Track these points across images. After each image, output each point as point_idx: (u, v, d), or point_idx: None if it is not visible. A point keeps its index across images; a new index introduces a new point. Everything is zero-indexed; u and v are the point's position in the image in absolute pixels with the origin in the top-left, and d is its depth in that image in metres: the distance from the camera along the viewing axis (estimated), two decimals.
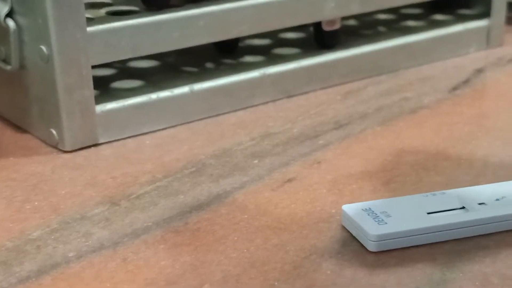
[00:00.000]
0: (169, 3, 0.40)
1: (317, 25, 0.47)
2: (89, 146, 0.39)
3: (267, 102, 0.44)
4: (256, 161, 0.37)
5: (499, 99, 0.45)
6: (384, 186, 0.34)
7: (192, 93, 0.41)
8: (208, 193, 0.34)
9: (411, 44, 0.50)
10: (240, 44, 0.48)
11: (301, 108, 0.44)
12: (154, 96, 0.40)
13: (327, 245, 0.30)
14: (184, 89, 0.41)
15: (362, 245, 0.30)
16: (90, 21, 0.38)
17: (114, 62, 0.41)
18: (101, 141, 0.39)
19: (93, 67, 0.38)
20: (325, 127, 0.41)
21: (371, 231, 0.29)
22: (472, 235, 0.30)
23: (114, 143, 0.39)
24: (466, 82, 0.47)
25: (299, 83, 0.45)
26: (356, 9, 0.47)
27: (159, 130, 0.41)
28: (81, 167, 0.37)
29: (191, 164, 0.37)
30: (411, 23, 0.53)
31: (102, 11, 0.41)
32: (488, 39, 0.53)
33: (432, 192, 0.32)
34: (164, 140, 0.39)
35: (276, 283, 0.28)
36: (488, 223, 0.30)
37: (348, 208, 0.31)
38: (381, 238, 0.29)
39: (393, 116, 0.42)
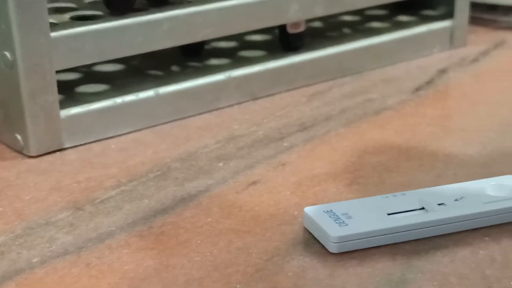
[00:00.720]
0: (133, 7, 0.41)
1: (282, 28, 0.47)
2: (54, 151, 0.39)
3: (232, 105, 0.45)
4: (221, 164, 0.37)
5: (462, 100, 0.46)
6: (347, 187, 0.35)
7: (157, 96, 0.42)
8: (172, 196, 0.34)
9: (375, 46, 0.50)
10: (206, 47, 0.48)
11: (266, 110, 0.44)
12: (119, 100, 0.40)
13: (290, 247, 0.30)
14: (149, 93, 0.41)
15: (323, 247, 0.30)
16: (54, 26, 0.38)
17: (80, 66, 0.41)
18: (66, 145, 0.39)
19: (58, 71, 0.38)
20: (290, 129, 0.41)
21: (332, 232, 0.30)
22: (432, 235, 0.31)
23: (80, 148, 0.39)
24: (429, 82, 0.48)
25: (265, 85, 0.46)
26: (320, 12, 0.47)
27: (124, 134, 0.41)
28: (46, 172, 0.37)
29: (156, 168, 0.37)
30: (375, 24, 0.54)
31: (66, 16, 0.41)
32: (451, 40, 0.54)
33: (393, 193, 0.33)
34: (130, 144, 0.40)
35: (238, 286, 0.28)
36: (447, 224, 0.31)
37: (310, 210, 0.32)
38: (342, 239, 0.30)
39: (357, 118, 0.43)
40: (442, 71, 0.50)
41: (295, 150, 0.39)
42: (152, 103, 0.41)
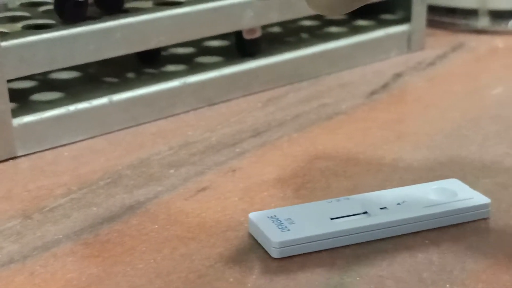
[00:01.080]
0: (85, 16, 0.41)
1: (238, 34, 0.48)
2: (7, 160, 0.39)
3: (188, 111, 0.45)
4: (172, 171, 0.38)
5: (414, 103, 0.46)
6: (294, 192, 0.35)
7: (111, 103, 0.42)
8: (121, 204, 0.35)
9: (332, 51, 0.51)
10: (163, 53, 0.49)
11: (221, 116, 0.44)
12: (72, 108, 0.41)
13: (233, 253, 0.31)
14: (103, 100, 0.42)
15: (266, 252, 0.31)
16: (5, 35, 0.38)
17: (35, 74, 0.41)
18: (19, 154, 0.39)
19: (13, 80, 0.39)
20: (243, 135, 0.42)
21: (274, 238, 0.30)
22: (373, 239, 0.31)
23: (32, 156, 0.40)
24: (384, 86, 0.48)
25: (221, 91, 0.46)
26: (275, 18, 0.47)
27: (78, 141, 0.41)
28: None
29: (107, 176, 0.37)
30: (333, 29, 0.54)
31: (19, 25, 0.41)
32: (408, 44, 0.55)
33: (337, 198, 0.33)
34: (82, 151, 0.40)
35: None
36: (388, 227, 0.32)
37: (254, 216, 0.32)
38: (283, 244, 0.30)
39: (310, 123, 0.43)
40: (398, 75, 0.50)
41: (247, 156, 0.39)
42: (106, 110, 0.42)
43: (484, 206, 0.33)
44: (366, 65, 0.52)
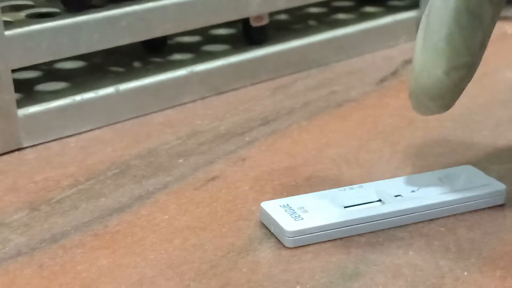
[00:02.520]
0: (90, 4, 0.40)
1: (245, 21, 0.47)
2: (13, 151, 0.38)
3: (195, 100, 0.44)
4: (181, 161, 0.37)
5: None
6: (306, 181, 0.35)
7: (118, 93, 0.41)
8: (130, 194, 0.34)
9: (340, 38, 0.50)
10: (169, 42, 0.48)
11: (229, 105, 0.44)
12: (78, 98, 0.40)
13: (245, 243, 0.30)
14: (109, 90, 0.41)
15: (280, 242, 0.30)
16: (9, 24, 0.38)
17: (40, 64, 0.40)
18: (24, 145, 0.39)
19: (17, 69, 0.38)
20: (252, 123, 0.41)
21: (287, 227, 0.30)
22: (388, 227, 0.31)
23: (38, 147, 0.39)
24: (393, 73, 0.48)
25: (228, 79, 0.45)
26: (282, 4, 0.47)
27: (84, 132, 0.40)
28: (2, 172, 0.36)
29: (115, 166, 0.37)
30: (341, 16, 0.54)
31: (22, 14, 0.40)
32: (417, 30, 0.54)
33: (350, 186, 0.33)
34: (89, 142, 0.39)
35: (191, 283, 0.28)
36: (403, 215, 0.31)
37: (266, 205, 0.31)
38: (297, 234, 0.30)
39: (320, 110, 0.42)
40: (407, 62, 0.50)
41: (256, 144, 0.39)
42: (112, 100, 0.41)
43: (500, 192, 0.32)
44: (375, 52, 0.51)
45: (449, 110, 0.41)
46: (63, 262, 0.29)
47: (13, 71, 0.37)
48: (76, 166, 0.37)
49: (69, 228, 0.32)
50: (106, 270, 0.29)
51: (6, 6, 0.42)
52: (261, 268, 0.28)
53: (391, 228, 0.31)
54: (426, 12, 0.30)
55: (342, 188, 0.32)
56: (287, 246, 0.30)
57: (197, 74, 0.44)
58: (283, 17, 0.54)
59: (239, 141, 0.39)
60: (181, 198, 0.34)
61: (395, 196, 0.32)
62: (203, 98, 0.45)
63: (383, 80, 0.47)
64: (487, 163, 0.36)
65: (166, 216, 0.32)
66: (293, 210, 0.31)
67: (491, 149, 0.37)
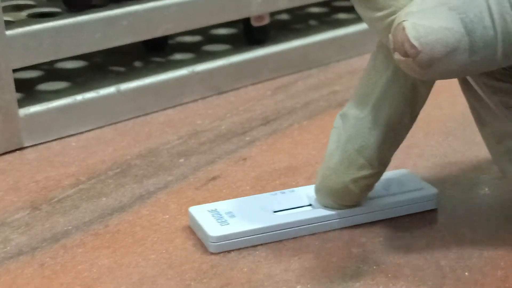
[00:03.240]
0: (91, 4, 0.40)
1: (246, 21, 0.47)
2: (14, 150, 0.38)
3: (197, 100, 0.44)
4: (181, 160, 0.37)
5: None
6: (307, 180, 0.35)
7: (119, 93, 0.41)
8: (131, 194, 0.34)
9: (341, 37, 0.50)
10: (170, 42, 0.48)
11: (230, 105, 0.44)
12: (79, 97, 0.40)
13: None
14: (110, 89, 0.41)
15: (280, 242, 0.30)
16: (10, 24, 0.38)
17: (40, 63, 0.41)
18: (26, 144, 0.39)
19: (18, 69, 0.38)
20: (253, 123, 0.41)
21: (211, 232, 0.29)
22: (318, 231, 0.30)
23: (39, 146, 0.39)
24: None
25: (229, 79, 0.45)
26: (283, 4, 0.47)
27: (85, 131, 0.40)
28: (4, 172, 0.36)
29: (116, 166, 0.37)
30: (342, 16, 0.54)
31: (24, 14, 0.40)
32: None
33: (282, 190, 0.32)
34: (90, 142, 0.39)
35: (192, 283, 0.28)
36: (332, 220, 0.30)
37: (194, 210, 0.31)
38: (221, 239, 0.29)
39: (320, 110, 0.42)
40: None
41: (257, 144, 0.39)
42: (113, 100, 0.41)
43: (431, 197, 0.32)
44: None
45: (450, 110, 0.42)
46: (64, 261, 0.29)
47: (14, 70, 0.38)
48: (77, 166, 0.37)
49: (70, 227, 0.32)
50: (107, 269, 0.29)
51: (7, 6, 0.42)
52: (261, 267, 0.28)
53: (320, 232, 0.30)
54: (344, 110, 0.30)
55: (273, 193, 0.32)
56: (211, 251, 0.29)
57: (198, 74, 0.44)
58: (284, 17, 0.54)
59: (240, 141, 0.39)
60: (182, 197, 0.34)
61: None
62: (204, 97, 0.45)
63: None
64: (488, 163, 0.36)
65: (167, 216, 0.32)
66: (220, 215, 0.30)
67: None
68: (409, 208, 0.32)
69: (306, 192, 0.32)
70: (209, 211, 0.31)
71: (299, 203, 0.31)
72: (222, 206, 0.31)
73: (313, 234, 0.30)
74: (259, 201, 0.31)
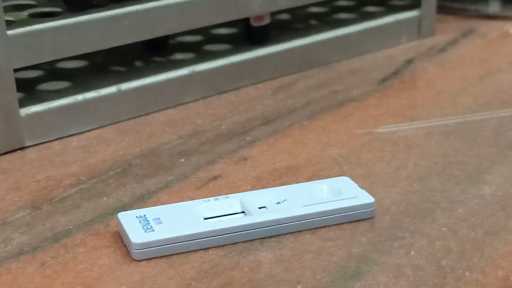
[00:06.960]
0: (92, 4, 0.40)
1: (246, 21, 0.47)
2: (15, 150, 0.38)
3: (197, 99, 0.44)
4: (182, 160, 0.37)
5: (426, 90, 0.45)
6: (308, 180, 0.35)
7: (120, 92, 0.41)
8: (131, 194, 0.34)
9: (342, 37, 0.50)
10: (171, 42, 0.48)
11: (231, 104, 0.44)
12: (80, 97, 0.40)
13: (247, 242, 0.30)
14: (111, 89, 0.41)
15: (280, 241, 0.30)
16: (11, 24, 0.38)
17: (42, 63, 0.41)
18: (27, 144, 0.39)
19: (19, 69, 0.38)
20: (254, 123, 0.41)
21: (134, 239, 0.29)
22: (250, 239, 0.30)
23: (40, 146, 0.39)
24: (395, 73, 0.48)
25: (230, 79, 0.45)
26: (284, 4, 0.47)
27: (86, 131, 0.40)
28: (5, 171, 0.36)
29: (116, 165, 0.37)
30: (343, 15, 0.54)
31: (25, 14, 0.40)
32: (419, 29, 0.54)
33: (215, 197, 0.32)
34: (91, 141, 0.39)
35: (193, 283, 0.28)
36: (264, 227, 0.30)
37: (122, 216, 0.31)
38: (144, 246, 0.29)
39: (321, 110, 0.42)
40: (409, 61, 0.50)
41: (258, 144, 0.39)
42: (114, 100, 0.41)
43: (368, 205, 0.31)
44: (376, 52, 0.51)
45: (451, 110, 0.42)
46: (65, 261, 0.29)
47: (16, 70, 0.38)
48: (78, 165, 0.37)
49: (71, 227, 0.32)
50: (108, 269, 0.29)
51: (8, 6, 0.42)
52: (262, 267, 0.29)
53: (254, 239, 0.30)
54: None
55: (207, 199, 0.32)
56: (134, 258, 0.29)
57: (199, 73, 0.44)
58: (284, 16, 0.54)
59: (240, 141, 0.39)
60: (183, 197, 0.34)
61: (260, 208, 0.31)
62: (204, 97, 0.45)
63: (384, 79, 0.47)
64: (490, 163, 0.36)
65: None
66: (147, 221, 0.30)
67: (493, 149, 0.37)
68: (344, 216, 0.31)
69: (240, 199, 0.32)
70: (137, 217, 0.30)
71: (232, 210, 0.31)
72: (152, 212, 0.31)
73: (313, 234, 0.30)
74: (190, 207, 0.31)
